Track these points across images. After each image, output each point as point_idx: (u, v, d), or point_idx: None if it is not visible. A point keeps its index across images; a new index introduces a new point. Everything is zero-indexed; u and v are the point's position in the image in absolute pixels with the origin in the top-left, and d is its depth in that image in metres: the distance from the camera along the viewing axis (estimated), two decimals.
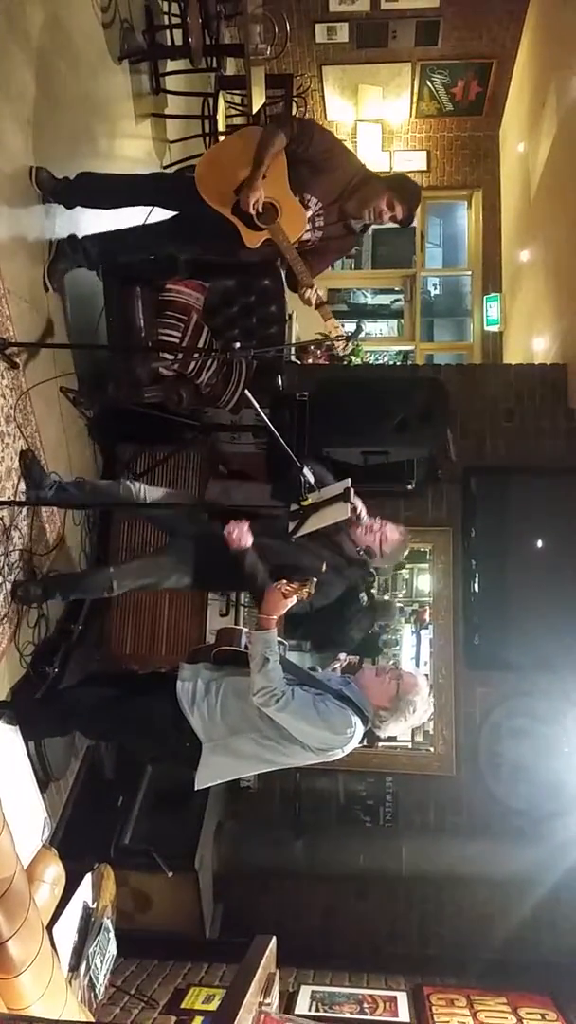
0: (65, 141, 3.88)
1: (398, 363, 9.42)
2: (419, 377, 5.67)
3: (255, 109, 5.32)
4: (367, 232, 3.61)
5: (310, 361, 6.53)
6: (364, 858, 4.35)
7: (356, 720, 2.76)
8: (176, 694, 2.87)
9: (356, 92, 8.71)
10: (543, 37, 7.15)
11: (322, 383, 4.70)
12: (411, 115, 8.91)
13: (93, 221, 3.98)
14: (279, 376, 4.00)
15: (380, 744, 4.64)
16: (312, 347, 3.24)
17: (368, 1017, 3.73)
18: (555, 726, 4.69)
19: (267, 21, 5.63)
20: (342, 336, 3.24)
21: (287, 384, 4.03)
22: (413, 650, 6.17)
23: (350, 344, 3.25)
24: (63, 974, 2.55)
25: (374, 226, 3.61)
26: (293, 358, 3.79)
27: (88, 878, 3.12)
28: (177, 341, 3.77)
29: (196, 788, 2.91)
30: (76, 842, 3.71)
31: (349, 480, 3.21)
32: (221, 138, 6.05)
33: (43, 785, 3.50)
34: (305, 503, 3.24)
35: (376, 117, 8.92)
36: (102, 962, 3.06)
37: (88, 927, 3.01)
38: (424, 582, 5.69)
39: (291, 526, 3.31)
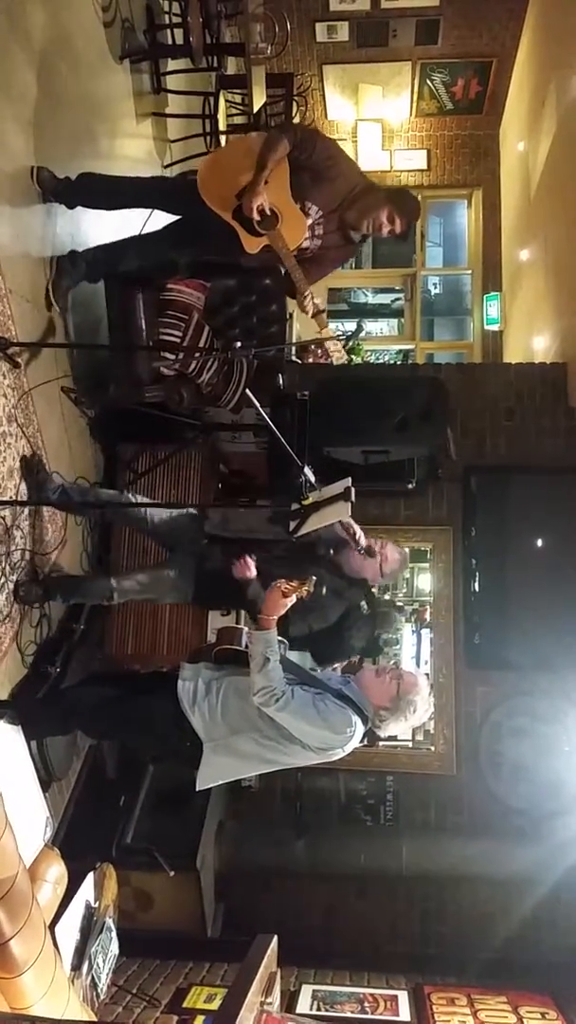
0: (66, 141, 3.87)
1: (398, 362, 9.42)
2: (419, 376, 5.67)
3: (256, 108, 5.33)
4: (365, 243, 3.60)
5: (311, 360, 6.53)
6: (365, 857, 4.36)
7: (356, 720, 2.76)
8: (177, 694, 2.87)
9: (356, 91, 8.70)
10: (543, 36, 7.14)
11: (323, 382, 4.70)
12: (411, 114, 8.91)
13: (95, 222, 3.98)
14: (280, 375, 4.01)
15: (381, 743, 4.66)
16: (313, 346, 3.24)
17: (369, 1016, 3.73)
18: (555, 725, 4.70)
19: (268, 20, 5.63)
20: (339, 343, 3.24)
21: (288, 383, 4.03)
22: (413, 649, 6.18)
23: (345, 355, 3.24)
24: (65, 973, 2.55)
25: (372, 237, 3.60)
26: (294, 357, 3.79)
27: (90, 877, 3.12)
28: (178, 341, 3.78)
29: (198, 789, 2.92)
30: (78, 841, 3.71)
31: (350, 479, 3.21)
32: (222, 137, 6.06)
33: (45, 785, 3.50)
34: (306, 502, 3.25)
35: (376, 116, 8.91)
36: (104, 961, 3.06)
37: (90, 926, 3.02)
38: (424, 581, 5.70)
39: (292, 525, 3.33)
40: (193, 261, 3.83)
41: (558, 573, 4.81)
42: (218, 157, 3.43)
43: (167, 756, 3.46)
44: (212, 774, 2.91)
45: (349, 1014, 3.72)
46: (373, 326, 10.25)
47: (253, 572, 2.98)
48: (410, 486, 4.65)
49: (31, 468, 3.45)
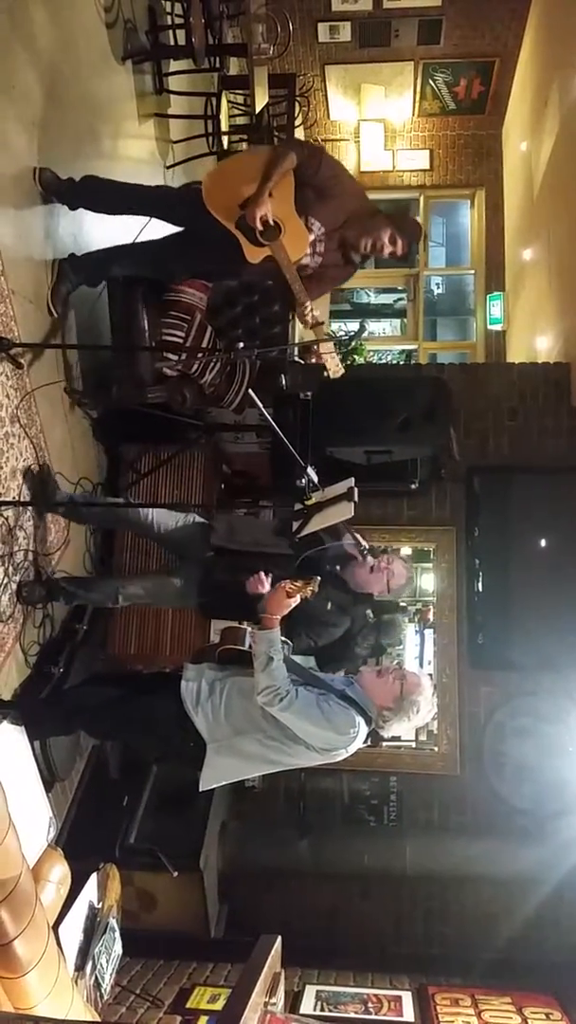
0: (69, 141, 3.88)
1: (401, 362, 9.41)
2: (422, 376, 5.67)
3: (258, 109, 5.32)
4: (364, 264, 3.62)
5: (313, 361, 6.52)
6: (368, 858, 4.36)
7: (360, 720, 2.76)
8: (180, 694, 2.87)
9: (359, 91, 8.71)
10: (546, 36, 7.14)
11: (325, 383, 4.68)
12: (414, 114, 8.91)
13: (97, 223, 3.99)
14: (282, 376, 4.01)
15: (384, 743, 4.67)
16: (315, 347, 3.24)
17: (373, 1017, 3.73)
18: (559, 725, 4.69)
19: (270, 21, 5.63)
20: (337, 358, 3.24)
21: (290, 384, 4.03)
22: (417, 649, 6.17)
23: (342, 369, 3.25)
24: (69, 974, 2.55)
25: (373, 258, 3.60)
26: (296, 358, 3.79)
27: (94, 878, 3.12)
28: (181, 341, 3.78)
29: (201, 790, 2.92)
30: (81, 842, 3.72)
31: (353, 479, 3.21)
32: (224, 138, 6.06)
33: (48, 785, 3.50)
34: (309, 502, 3.25)
35: (379, 116, 8.92)
36: (108, 962, 3.06)
37: (94, 927, 3.01)
38: (428, 581, 5.69)
39: (295, 526, 3.33)
40: (193, 271, 3.83)
41: (561, 573, 4.81)
42: (224, 167, 3.45)
43: (170, 757, 3.46)
44: (215, 775, 2.91)
45: (353, 1015, 3.72)
46: (376, 326, 10.25)
47: (267, 588, 2.95)
48: (413, 486, 4.65)
49: (39, 481, 3.45)
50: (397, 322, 10.23)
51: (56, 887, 2.83)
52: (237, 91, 6.26)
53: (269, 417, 3.21)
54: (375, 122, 8.95)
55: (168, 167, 5.65)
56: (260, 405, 3.18)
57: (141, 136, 5.17)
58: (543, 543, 4.95)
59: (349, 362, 7.64)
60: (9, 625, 3.32)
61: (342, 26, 8.03)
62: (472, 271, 9.35)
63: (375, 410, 4.39)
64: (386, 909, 4.55)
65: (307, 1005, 3.73)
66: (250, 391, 3.41)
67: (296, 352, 3.84)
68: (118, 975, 3.25)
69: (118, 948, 3.17)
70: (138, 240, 3.93)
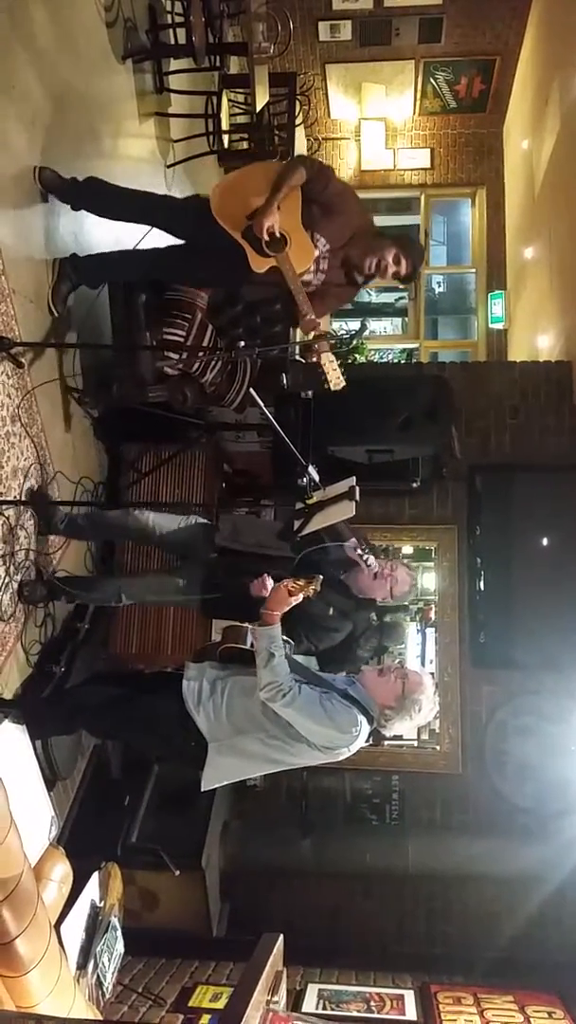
0: (69, 140, 3.87)
1: (402, 361, 9.41)
2: (423, 375, 5.66)
3: (259, 107, 5.32)
4: (367, 285, 3.64)
5: (314, 360, 6.52)
6: (371, 856, 4.36)
7: (362, 719, 2.76)
8: (182, 693, 2.87)
9: (359, 90, 8.70)
10: (547, 34, 7.13)
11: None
12: (414, 112, 8.90)
13: (98, 223, 3.98)
14: (283, 375, 4.01)
15: (386, 742, 4.68)
16: (316, 346, 3.25)
17: (375, 1015, 3.73)
18: (561, 724, 4.69)
19: (270, 19, 5.63)
20: (338, 370, 3.25)
21: (291, 382, 4.03)
22: (419, 648, 6.17)
23: (343, 382, 3.26)
24: (71, 972, 2.55)
25: (376, 278, 3.61)
26: (297, 357, 3.79)
27: (95, 877, 3.12)
28: (182, 340, 3.78)
29: (202, 789, 2.92)
30: (83, 841, 3.72)
31: (354, 478, 3.21)
32: (225, 137, 6.06)
33: (50, 784, 3.50)
34: (310, 501, 3.25)
35: (379, 115, 8.91)
36: (109, 960, 3.06)
37: (96, 925, 3.02)
38: (429, 580, 5.69)
39: (296, 524, 3.33)
40: (194, 281, 3.83)
41: (563, 571, 4.81)
42: (234, 178, 3.48)
43: (172, 756, 3.45)
44: (217, 774, 2.91)
45: (355, 1013, 3.72)
46: (377, 325, 10.25)
47: (270, 591, 2.95)
48: (414, 485, 4.64)
49: (38, 500, 3.46)
50: (398, 321, 10.24)
51: (58, 886, 2.83)
52: (238, 90, 6.26)
53: (270, 416, 3.21)
54: (376, 121, 8.95)
55: (168, 166, 5.64)
56: (261, 404, 3.18)
57: (141, 135, 5.17)
58: (545, 542, 4.95)
59: (350, 361, 7.64)
60: (10, 624, 3.32)
61: (343, 25, 8.03)
62: (473, 270, 9.34)
63: (376, 409, 4.39)
64: (388, 908, 4.55)
65: (309, 1004, 3.73)
66: (251, 390, 3.42)
67: (297, 351, 3.84)
68: (120, 974, 3.25)
69: (120, 947, 3.18)
70: (140, 247, 3.93)
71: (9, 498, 3.27)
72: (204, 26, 4.81)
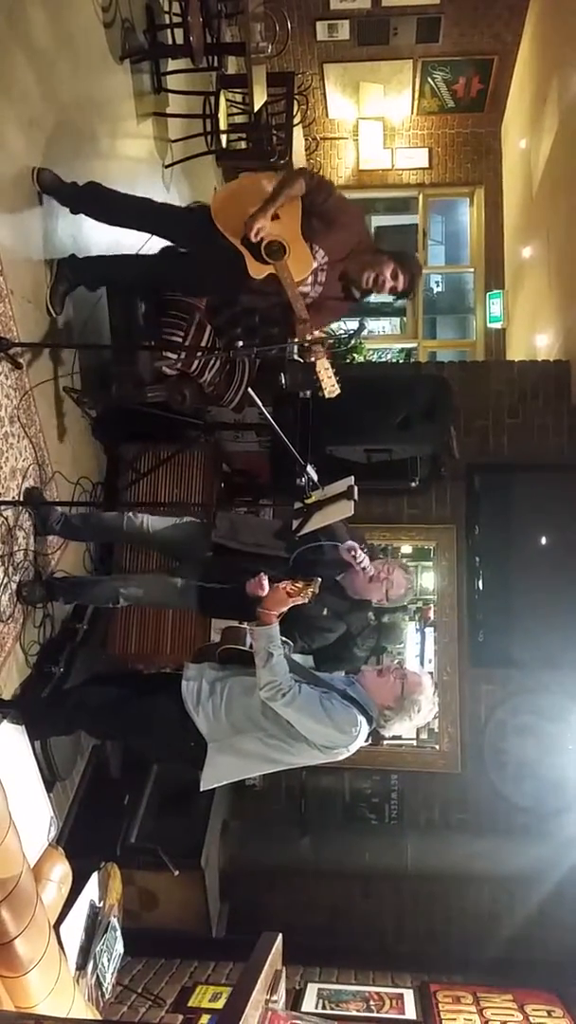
0: (68, 141, 3.87)
1: (401, 361, 9.41)
2: (422, 374, 5.67)
3: (257, 107, 5.32)
4: (364, 300, 3.66)
5: (312, 359, 6.52)
6: (370, 856, 4.36)
7: (361, 719, 2.76)
8: (181, 694, 2.87)
9: (357, 90, 8.70)
10: (544, 33, 7.13)
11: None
12: (413, 112, 8.90)
13: (96, 224, 3.98)
14: (282, 374, 4.01)
15: (385, 742, 4.68)
16: (313, 354, 3.27)
17: (375, 1015, 3.74)
18: (560, 723, 4.69)
19: (268, 19, 5.63)
20: (333, 378, 3.25)
21: (290, 382, 4.03)
22: (418, 648, 6.17)
23: (337, 389, 3.27)
24: (70, 973, 2.55)
25: (373, 293, 3.63)
26: (296, 357, 3.79)
27: (95, 877, 3.12)
28: (180, 340, 3.78)
29: (202, 789, 2.92)
30: (82, 841, 3.72)
31: (352, 478, 3.22)
32: (223, 137, 6.06)
33: (49, 784, 3.50)
34: (309, 501, 3.25)
35: (378, 114, 8.90)
36: (109, 961, 3.07)
37: (95, 926, 3.02)
38: (428, 580, 5.70)
39: (295, 524, 3.33)
40: (192, 289, 3.84)
41: (562, 571, 4.81)
42: (237, 185, 3.53)
43: (171, 756, 3.45)
44: (216, 774, 2.91)
45: (355, 1012, 3.73)
46: (375, 325, 10.22)
47: (267, 591, 2.94)
48: (413, 484, 4.64)
49: (35, 506, 3.47)
50: (397, 320, 10.22)
51: (57, 886, 2.83)
52: (235, 90, 6.26)
53: (269, 416, 3.22)
54: (374, 120, 8.94)
55: (167, 166, 5.64)
56: (260, 404, 3.19)
57: (140, 135, 5.17)
58: (543, 541, 4.95)
59: (349, 361, 7.64)
60: (9, 625, 3.32)
61: (341, 24, 8.02)
62: (471, 269, 9.34)
63: (375, 409, 4.39)
64: (387, 907, 4.55)
65: (309, 1003, 3.73)
66: (250, 390, 3.42)
67: (295, 351, 3.84)
68: (119, 974, 3.25)
69: (119, 947, 3.18)
70: (140, 252, 3.93)
71: (8, 499, 3.28)
72: (202, 26, 4.81)
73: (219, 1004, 3.47)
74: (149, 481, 4.41)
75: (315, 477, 3.24)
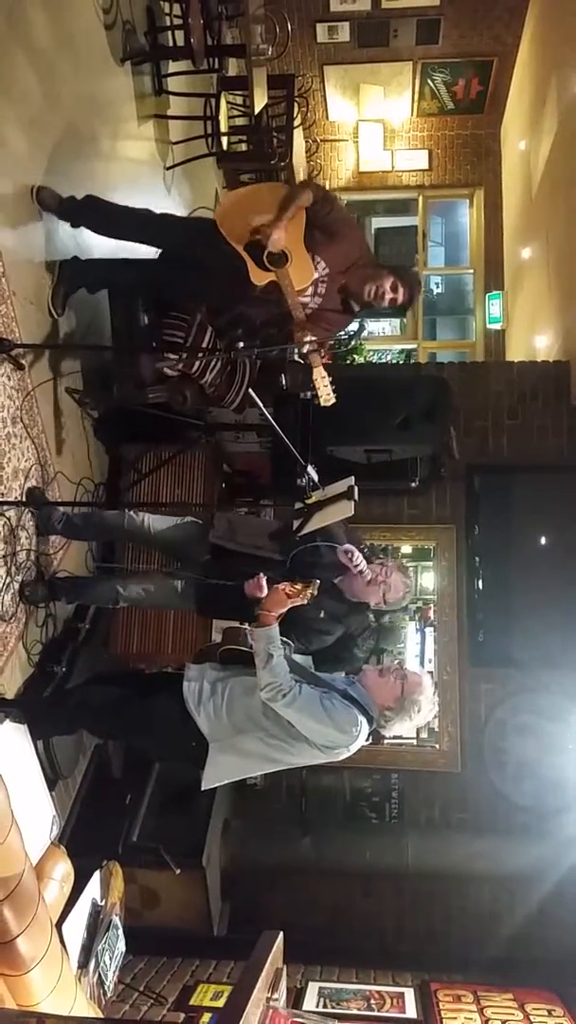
0: (69, 143, 3.89)
1: (401, 362, 9.42)
2: (422, 375, 5.68)
3: (257, 109, 5.33)
4: (362, 315, 3.69)
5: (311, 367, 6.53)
6: (370, 855, 4.37)
7: (362, 720, 2.77)
8: (182, 694, 2.88)
9: (357, 91, 8.71)
10: (544, 34, 7.15)
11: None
12: (412, 114, 8.91)
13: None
14: (283, 375, 4.02)
15: (385, 741, 4.68)
16: (312, 355, 3.30)
17: (376, 1013, 3.74)
18: (560, 722, 4.70)
19: (268, 21, 5.64)
20: (329, 387, 3.27)
21: (291, 383, 4.05)
22: (418, 648, 6.19)
23: (333, 398, 3.29)
24: (72, 971, 2.56)
25: (373, 305, 3.65)
26: (296, 358, 3.81)
27: (96, 876, 3.14)
28: (181, 341, 3.79)
29: (203, 788, 2.93)
30: (84, 840, 3.73)
31: (353, 478, 3.22)
32: (223, 139, 6.07)
33: (51, 783, 3.51)
34: (309, 501, 3.26)
35: (377, 116, 8.92)
36: (111, 959, 3.08)
37: (97, 924, 3.03)
38: (428, 580, 5.71)
39: (296, 524, 3.34)
40: (191, 296, 3.86)
41: (561, 570, 4.82)
42: (242, 194, 3.57)
43: (172, 756, 3.47)
44: (217, 773, 2.92)
45: (356, 1011, 3.73)
46: (375, 326, 10.23)
47: (265, 592, 2.95)
48: (413, 485, 4.66)
49: (38, 505, 3.48)
50: (396, 322, 10.23)
51: (59, 885, 2.85)
52: (236, 92, 6.27)
53: (269, 417, 3.23)
54: (374, 122, 8.95)
55: (168, 168, 5.66)
56: (260, 405, 3.20)
57: (141, 137, 5.18)
58: (543, 541, 4.96)
59: (349, 361, 7.65)
60: (12, 624, 3.33)
61: (341, 26, 8.03)
62: (471, 270, 9.35)
63: (375, 409, 4.40)
64: (388, 906, 4.56)
65: (310, 1002, 3.74)
66: (250, 391, 3.43)
67: (296, 352, 3.86)
68: (121, 973, 3.26)
69: (121, 946, 3.19)
70: (141, 256, 3.95)
71: (10, 499, 3.29)
72: (202, 28, 4.82)
73: (220, 1003, 3.48)
74: (150, 482, 4.43)
75: (315, 477, 3.25)
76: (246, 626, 3.01)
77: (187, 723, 2.84)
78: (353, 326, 3.74)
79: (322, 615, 3.31)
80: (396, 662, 5.55)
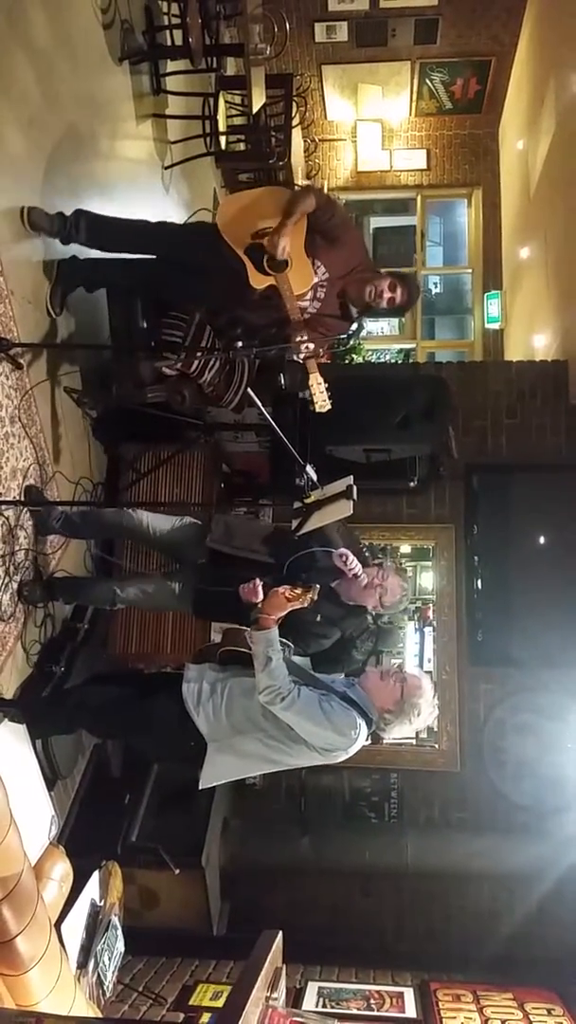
0: (67, 142, 3.88)
1: (399, 361, 9.43)
2: (421, 375, 5.68)
3: (255, 109, 5.33)
4: (361, 320, 3.70)
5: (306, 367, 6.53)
6: (370, 854, 4.37)
7: (361, 722, 2.77)
8: (182, 694, 2.88)
9: (356, 91, 8.71)
10: (542, 34, 7.15)
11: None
12: (411, 114, 8.91)
13: None
14: (281, 375, 4.02)
15: (385, 741, 4.68)
16: (308, 360, 3.33)
17: (375, 1013, 3.74)
18: (559, 722, 4.70)
19: (267, 21, 5.64)
20: (325, 393, 3.28)
21: (289, 383, 4.05)
22: (417, 647, 6.19)
23: (328, 404, 3.29)
24: (71, 971, 2.56)
25: (372, 308, 3.66)
26: (295, 357, 3.81)
27: (96, 876, 3.13)
28: (180, 341, 3.79)
29: (200, 787, 2.92)
30: (83, 840, 3.73)
31: (351, 477, 3.22)
32: (222, 138, 6.07)
33: (50, 783, 3.51)
34: (308, 500, 3.26)
35: (376, 116, 8.92)
36: (110, 959, 3.08)
37: (96, 924, 3.03)
38: (427, 579, 5.71)
39: (294, 524, 3.34)
40: (190, 299, 3.86)
41: (560, 570, 4.83)
42: (244, 197, 3.56)
43: (171, 756, 3.46)
44: (216, 773, 2.92)
45: (355, 1011, 3.73)
46: (374, 325, 10.23)
47: (260, 597, 2.94)
48: (412, 484, 4.65)
49: (33, 499, 3.48)
50: (395, 321, 10.24)
51: (58, 885, 2.85)
52: (234, 91, 6.27)
53: (268, 416, 3.23)
54: (372, 122, 8.96)
55: (166, 167, 5.65)
56: (259, 404, 3.20)
57: (139, 136, 5.18)
58: (542, 540, 4.96)
59: (348, 361, 7.65)
60: (10, 624, 3.33)
61: (339, 26, 8.04)
62: (470, 270, 9.36)
63: (374, 409, 4.40)
64: (387, 905, 4.56)
65: (309, 1001, 3.74)
66: (249, 390, 3.43)
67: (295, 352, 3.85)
68: (120, 973, 3.26)
69: (120, 946, 3.19)
70: (139, 257, 3.94)
71: (8, 498, 3.29)
72: (201, 28, 4.82)
73: (220, 1002, 3.47)
74: (149, 481, 4.43)
75: (314, 477, 3.24)
76: (247, 629, 3.01)
77: (186, 723, 2.84)
78: (352, 326, 3.74)
79: (319, 619, 3.31)
80: (396, 665, 5.55)
